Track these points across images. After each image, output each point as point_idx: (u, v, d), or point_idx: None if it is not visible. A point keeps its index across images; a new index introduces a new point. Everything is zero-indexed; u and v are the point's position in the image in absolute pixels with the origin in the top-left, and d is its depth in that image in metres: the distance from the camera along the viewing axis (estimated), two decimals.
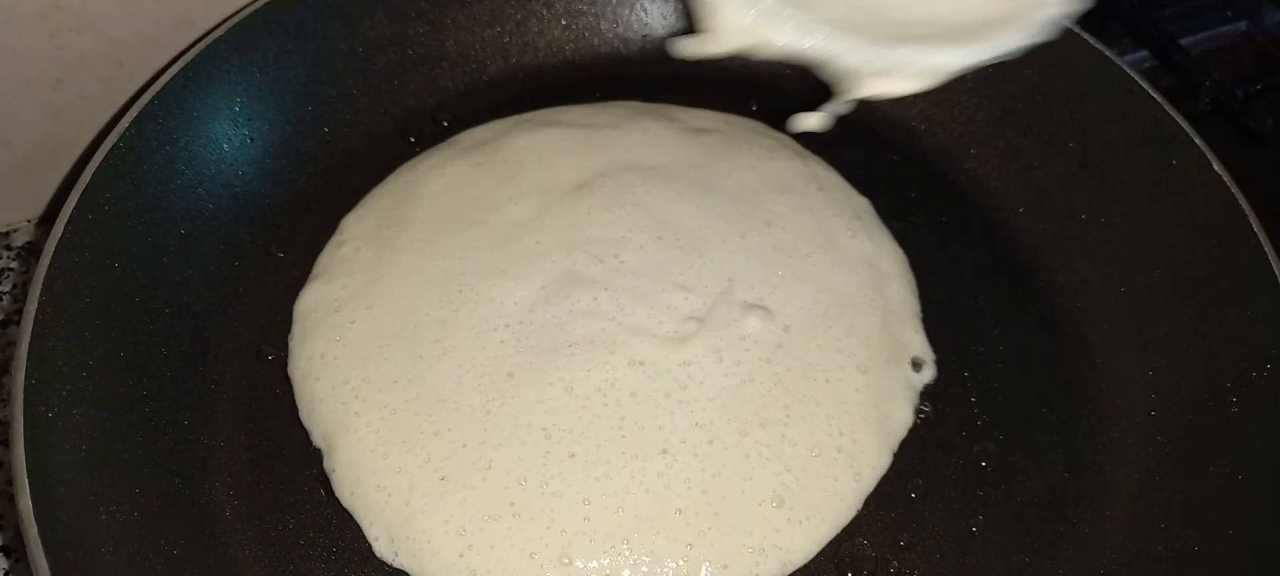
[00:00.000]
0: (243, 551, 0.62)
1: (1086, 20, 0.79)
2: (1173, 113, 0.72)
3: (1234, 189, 0.68)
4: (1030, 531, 0.65)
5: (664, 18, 0.92)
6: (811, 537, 0.63)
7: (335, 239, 0.77)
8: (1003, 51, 0.56)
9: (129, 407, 0.63)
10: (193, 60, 0.73)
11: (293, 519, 0.64)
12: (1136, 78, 0.74)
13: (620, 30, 0.92)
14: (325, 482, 0.65)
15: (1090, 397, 0.71)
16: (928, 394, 0.70)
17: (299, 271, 0.75)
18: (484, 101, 0.87)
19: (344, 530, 0.63)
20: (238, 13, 0.77)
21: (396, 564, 0.62)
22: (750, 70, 0.89)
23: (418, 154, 0.83)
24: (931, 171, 0.84)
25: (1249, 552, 0.59)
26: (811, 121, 0.60)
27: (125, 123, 0.68)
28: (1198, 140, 0.70)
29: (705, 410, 0.66)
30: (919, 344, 0.72)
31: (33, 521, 0.51)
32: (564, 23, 0.91)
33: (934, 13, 0.58)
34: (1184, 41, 0.94)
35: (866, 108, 0.88)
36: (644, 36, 0.92)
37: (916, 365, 0.71)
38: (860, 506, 0.65)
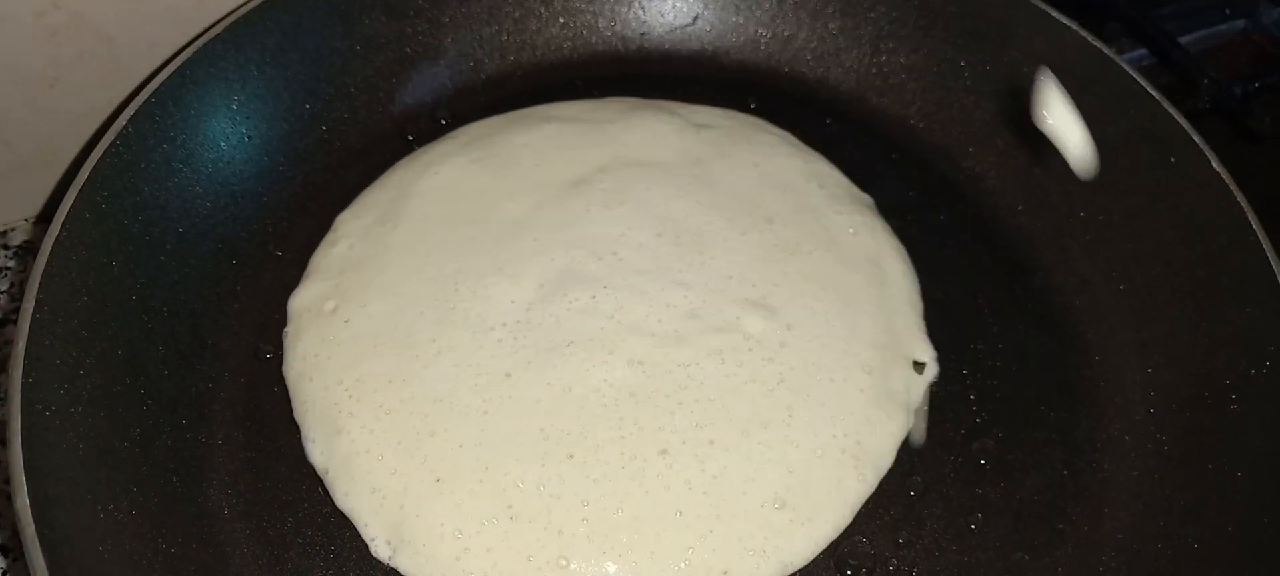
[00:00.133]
0: (240, 550, 0.62)
1: (1085, 19, 0.79)
2: (1171, 111, 0.72)
3: (1233, 187, 0.68)
4: (1029, 529, 0.65)
5: (662, 15, 0.92)
6: (813, 539, 0.62)
7: (329, 237, 0.76)
8: None
9: (127, 406, 0.63)
10: (190, 58, 0.73)
11: (290, 518, 0.64)
12: (1135, 76, 0.74)
13: (618, 28, 0.92)
14: (323, 482, 0.65)
15: (1089, 396, 0.71)
16: (927, 392, 0.70)
17: (297, 270, 0.75)
18: (482, 99, 0.87)
19: (342, 529, 0.63)
20: (235, 11, 0.77)
21: (394, 565, 0.61)
22: (749, 67, 0.90)
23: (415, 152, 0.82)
24: (931, 170, 0.84)
25: (1248, 551, 0.59)
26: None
27: (122, 121, 0.68)
28: (1196, 138, 0.70)
29: (706, 410, 0.65)
30: (921, 343, 0.72)
31: (30, 520, 0.50)
32: (562, 20, 0.91)
33: None
34: (1182, 40, 0.94)
35: (866, 106, 0.88)
36: (642, 34, 0.92)
37: (918, 365, 0.71)
38: (862, 506, 0.64)
